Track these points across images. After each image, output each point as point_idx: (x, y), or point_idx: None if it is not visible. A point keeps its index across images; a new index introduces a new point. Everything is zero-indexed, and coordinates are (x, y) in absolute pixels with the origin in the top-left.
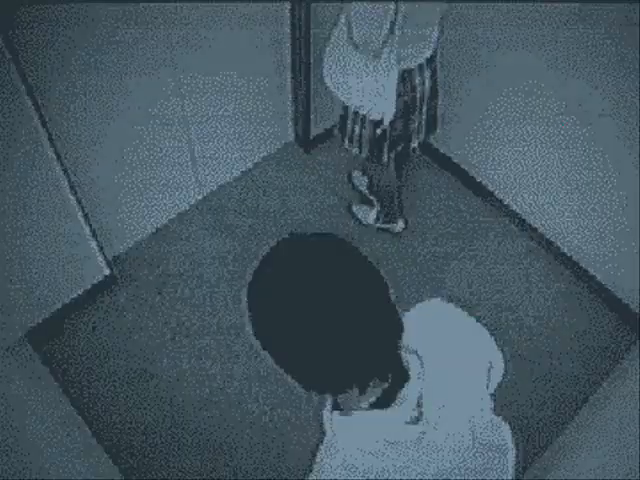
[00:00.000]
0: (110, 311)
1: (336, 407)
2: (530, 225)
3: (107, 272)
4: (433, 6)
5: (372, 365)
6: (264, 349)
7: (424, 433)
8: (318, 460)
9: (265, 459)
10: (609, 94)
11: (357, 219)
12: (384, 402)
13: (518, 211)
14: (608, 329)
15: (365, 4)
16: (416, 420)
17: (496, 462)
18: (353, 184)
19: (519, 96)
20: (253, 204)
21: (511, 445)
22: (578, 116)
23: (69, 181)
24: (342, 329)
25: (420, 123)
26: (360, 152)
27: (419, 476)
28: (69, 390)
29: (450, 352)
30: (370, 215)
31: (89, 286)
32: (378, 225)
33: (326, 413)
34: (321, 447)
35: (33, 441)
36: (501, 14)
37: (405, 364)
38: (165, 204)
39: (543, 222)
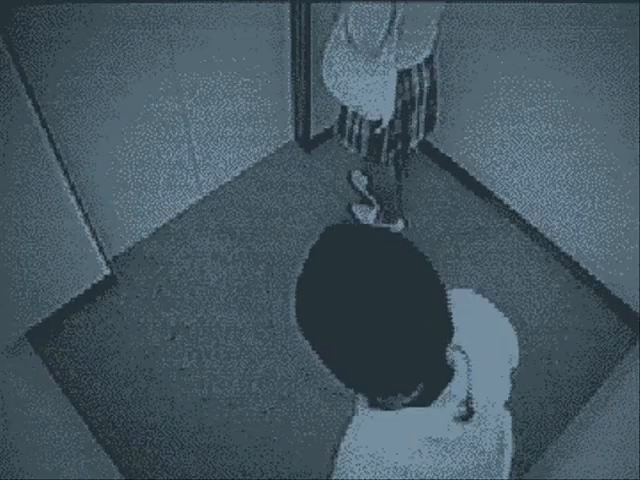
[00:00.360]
0: (110, 311)
1: (374, 404)
2: (530, 225)
3: (107, 272)
4: (431, 6)
5: (425, 367)
6: (313, 348)
7: (468, 430)
8: (347, 458)
9: (265, 459)
10: (610, 94)
11: (357, 219)
12: (426, 400)
13: (518, 211)
14: (608, 329)
15: (363, 4)
16: (461, 418)
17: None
18: (353, 184)
19: (519, 96)
20: (253, 204)
21: (510, 442)
22: (578, 116)
23: (69, 181)
24: (397, 330)
25: (419, 123)
26: (359, 152)
27: (455, 474)
28: (69, 390)
29: (485, 346)
30: (370, 215)
31: (89, 286)
32: (378, 225)
33: (362, 409)
34: (348, 444)
35: (33, 441)
36: (501, 14)
37: (450, 361)
38: (165, 204)
39: (543, 222)
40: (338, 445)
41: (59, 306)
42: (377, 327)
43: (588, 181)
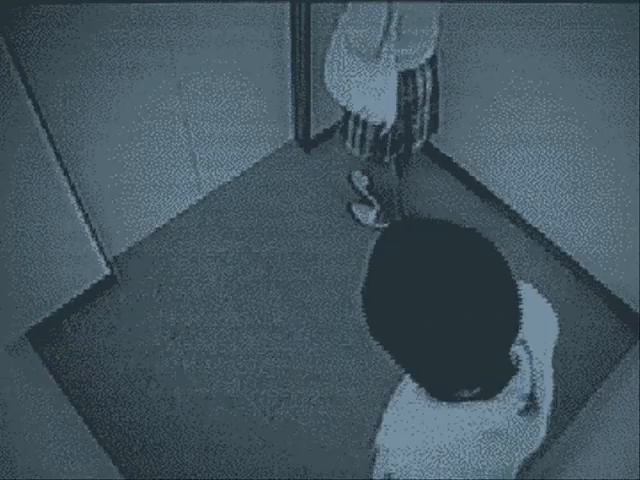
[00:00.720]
0: (110, 311)
1: (436, 396)
2: (530, 225)
3: (107, 272)
4: (428, 5)
5: (493, 363)
6: (382, 342)
7: (528, 423)
8: (399, 447)
9: (265, 459)
10: (610, 94)
11: (357, 219)
12: (488, 393)
13: (518, 211)
14: (608, 329)
15: (359, 7)
16: (523, 412)
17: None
18: (353, 184)
19: (520, 96)
20: (253, 204)
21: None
22: (578, 116)
23: (69, 181)
24: (470, 326)
25: (423, 124)
26: (362, 154)
27: (507, 464)
28: (69, 390)
29: (540, 338)
30: (370, 215)
31: (89, 286)
32: (378, 225)
33: (422, 401)
34: (401, 433)
35: (33, 441)
36: (502, 14)
37: (513, 356)
38: (165, 204)
39: (543, 222)
40: (381, 434)
41: (59, 306)
42: (450, 322)
43: (588, 181)
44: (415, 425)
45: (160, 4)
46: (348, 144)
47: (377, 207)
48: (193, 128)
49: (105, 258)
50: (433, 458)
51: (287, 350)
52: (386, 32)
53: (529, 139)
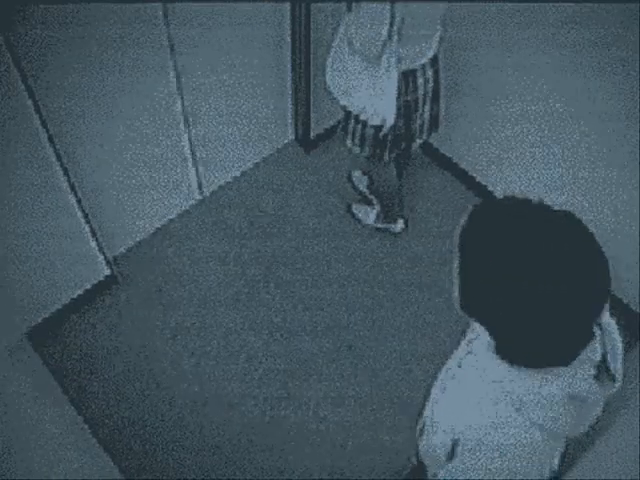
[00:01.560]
0: (110, 311)
1: (518, 362)
2: None
3: (107, 272)
4: (431, 7)
5: (581, 333)
6: (482, 315)
7: (606, 389)
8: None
9: (265, 459)
10: (610, 94)
11: (357, 219)
12: (568, 360)
13: None
14: None
15: (362, 9)
16: (600, 376)
17: None
18: (353, 184)
19: (520, 97)
20: (253, 204)
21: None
22: (578, 116)
23: (69, 181)
24: (567, 300)
25: (423, 123)
26: (362, 151)
27: (583, 428)
28: (69, 390)
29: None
30: (370, 215)
31: (89, 286)
32: (378, 225)
33: (499, 366)
34: (482, 400)
35: (33, 441)
36: (503, 14)
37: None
38: (165, 204)
39: None
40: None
41: (59, 306)
42: (547, 292)
43: (588, 181)
44: (493, 391)
45: (160, 4)
46: (348, 142)
47: (377, 207)
48: (193, 128)
49: (105, 258)
50: (511, 426)
51: (287, 350)
52: (389, 33)
53: (529, 139)
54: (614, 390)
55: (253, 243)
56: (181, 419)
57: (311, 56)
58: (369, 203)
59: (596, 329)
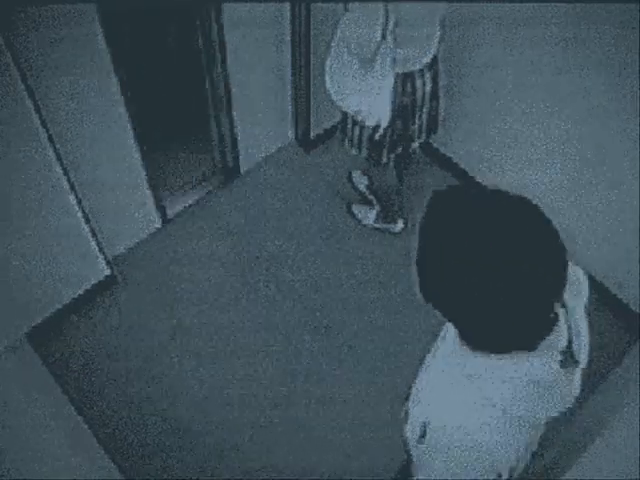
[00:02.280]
0: (110, 311)
1: (484, 346)
2: None
3: (107, 272)
4: (426, 10)
5: (540, 317)
6: (439, 303)
7: (570, 375)
8: (442, 397)
9: (265, 459)
10: (610, 94)
11: (357, 219)
12: (532, 344)
13: None
14: (608, 329)
15: (357, 11)
16: (565, 362)
17: None
18: (353, 184)
19: (520, 97)
20: (253, 204)
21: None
22: (578, 116)
23: (69, 181)
24: (521, 279)
25: (421, 125)
26: (359, 153)
27: (549, 412)
28: (69, 390)
29: (575, 297)
30: (370, 215)
31: (89, 286)
32: (378, 225)
33: (462, 352)
34: (444, 383)
35: (33, 441)
36: (503, 14)
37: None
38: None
39: None
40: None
41: (59, 306)
42: (503, 275)
43: (588, 181)
44: (457, 376)
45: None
46: (346, 143)
47: (377, 207)
48: None
49: (105, 258)
50: (474, 410)
51: (287, 350)
52: (383, 33)
53: (529, 139)
54: (578, 373)
55: (253, 243)
56: (181, 419)
57: (311, 56)
58: (369, 203)
59: (563, 315)
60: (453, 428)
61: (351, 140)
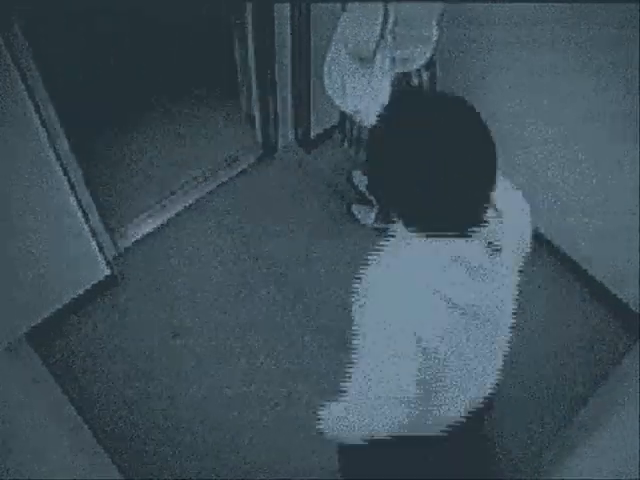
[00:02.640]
0: (110, 311)
1: (422, 228)
2: None
3: (107, 272)
4: (425, 10)
5: (477, 202)
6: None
7: (498, 263)
8: (379, 282)
9: (265, 459)
10: (610, 94)
11: (357, 219)
12: (459, 226)
13: None
14: (608, 329)
15: (356, 11)
16: (491, 251)
17: None
18: (353, 184)
19: (519, 97)
20: (253, 204)
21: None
22: (578, 116)
23: (69, 181)
24: (456, 167)
25: None
26: (357, 153)
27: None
28: (69, 390)
29: (511, 215)
30: (370, 215)
31: (89, 286)
32: (378, 225)
33: (403, 238)
34: (382, 268)
35: (33, 441)
36: (502, 14)
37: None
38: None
39: (542, 223)
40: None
41: (59, 306)
42: (442, 163)
43: (587, 181)
44: (398, 259)
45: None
46: (346, 143)
47: (377, 207)
48: None
49: (105, 258)
50: (414, 294)
51: (287, 350)
52: (382, 33)
53: (529, 139)
54: (501, 262)
55: (253, 243)
56: (181, 419)
57: (311, 56)
58: (369, 203)
59: (493, 212)
60: (385, 299)
61: (350, 140)
